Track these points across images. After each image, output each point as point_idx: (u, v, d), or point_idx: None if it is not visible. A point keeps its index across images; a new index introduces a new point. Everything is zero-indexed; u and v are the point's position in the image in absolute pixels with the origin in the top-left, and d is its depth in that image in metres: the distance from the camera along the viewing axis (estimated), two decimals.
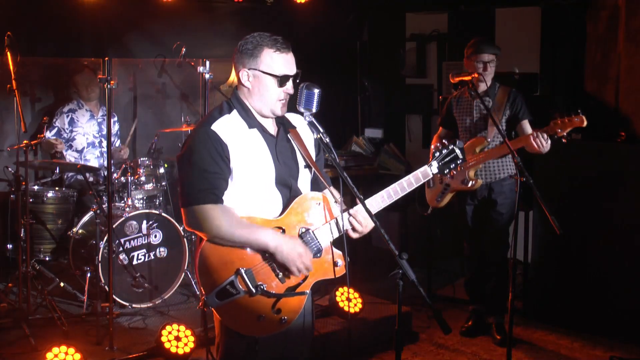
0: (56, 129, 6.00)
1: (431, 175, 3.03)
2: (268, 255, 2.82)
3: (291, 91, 2.88)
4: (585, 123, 4.49)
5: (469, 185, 4.96)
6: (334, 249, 2.94)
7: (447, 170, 3.05)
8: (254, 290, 2.78)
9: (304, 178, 2.99)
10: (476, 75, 4.71)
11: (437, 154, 3.04)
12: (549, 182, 5.41)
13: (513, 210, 5.27)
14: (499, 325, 5.18)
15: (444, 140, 3.09)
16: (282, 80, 2.83)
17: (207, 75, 4.89)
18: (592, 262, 5.30)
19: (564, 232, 4.11)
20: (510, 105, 4.96)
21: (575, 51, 6.40)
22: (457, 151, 3.05)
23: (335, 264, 2.93)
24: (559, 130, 4.53)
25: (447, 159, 3.04)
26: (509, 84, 5.21)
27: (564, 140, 4.57)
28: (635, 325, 5.12)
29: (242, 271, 2.78)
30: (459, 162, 3.05)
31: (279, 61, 2.83)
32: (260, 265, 2.81)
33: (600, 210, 5.27)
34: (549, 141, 4.62)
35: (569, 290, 5.42)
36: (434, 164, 3.04)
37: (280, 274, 2.84)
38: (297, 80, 2.89)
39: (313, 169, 3.00)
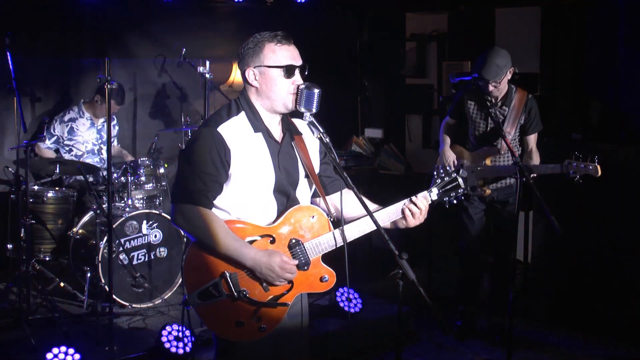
0: (55, 137, 6.00)
1: (429, 202, 2.95)
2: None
3: (300, 83, 2.83)
4: (599, 174, 4.41)
5: (479, 193, 4.89)
6: (324, 265, 2.90)
7: (447, 199, 2.97)
8: (236, 295, 2.77)
9: (304, 187, 2.97)
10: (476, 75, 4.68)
11: (439, 180, 2.96)
12: (548, 182, 5.41)
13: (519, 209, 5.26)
14: (499, 325, 5.17)
15: (447, 167, 3.00)
16: (288, 70, 2.80)
17: (207, 75, 4.89)
18: (592, 262, 5.31)
19: (564, 232, 4.12)
20: (527, 115, 4.88)
21: (575, 51, 6.40)
22: (460, 180, 2.95)
23: (321, 279, 2.89)
24: (572, 173, 4.47)
25: (448, 187, 2.96)
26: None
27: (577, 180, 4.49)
28: (635, 325, 5.13)
29: (227, 275, 2.77)
30: (459, 191, 2.95)
31: (282, 52, 2.81)
32: (247, 271, 2.80)
33: (600, 210, 5.28)
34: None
35: (569, 290, 5.43)
36: (435, 190, 2.96)
37: (265, 283, 2.82)
38: (306, 73, 2.85)
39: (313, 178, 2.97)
